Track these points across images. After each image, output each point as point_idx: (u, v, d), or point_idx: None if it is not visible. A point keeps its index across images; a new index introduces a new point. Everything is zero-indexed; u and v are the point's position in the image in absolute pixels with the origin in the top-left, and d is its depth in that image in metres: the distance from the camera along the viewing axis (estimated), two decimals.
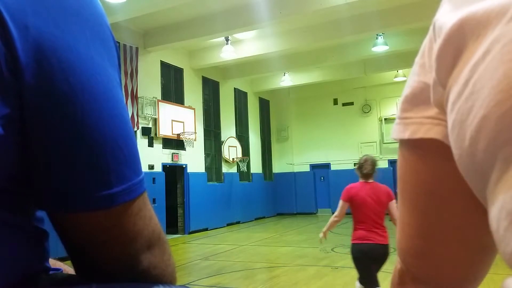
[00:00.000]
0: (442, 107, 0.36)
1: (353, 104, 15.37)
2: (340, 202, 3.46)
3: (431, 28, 0.38)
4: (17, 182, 0.41)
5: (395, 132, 0.42)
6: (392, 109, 14.35)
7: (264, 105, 16.11)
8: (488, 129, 0.29)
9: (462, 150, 0.32)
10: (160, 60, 10.85)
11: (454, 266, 0.44)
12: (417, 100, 0.40)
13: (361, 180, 3.46)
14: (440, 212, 0.42)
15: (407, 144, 0.42)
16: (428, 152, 0.40)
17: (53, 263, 0.53)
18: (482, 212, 0.35)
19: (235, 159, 13.64)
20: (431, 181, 0.41)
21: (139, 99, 9.81)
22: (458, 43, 0.32)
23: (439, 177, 0.41)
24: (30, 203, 0.43)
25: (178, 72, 11.57)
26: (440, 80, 0.35)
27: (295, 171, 16.13)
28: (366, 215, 3.34)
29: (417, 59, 0.41)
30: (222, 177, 13.13)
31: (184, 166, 11.36)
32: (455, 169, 0.35)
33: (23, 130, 0.39)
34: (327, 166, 15.68)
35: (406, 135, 0.41)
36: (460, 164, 0.34)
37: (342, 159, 15.34)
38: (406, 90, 0.42)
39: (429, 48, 0.39)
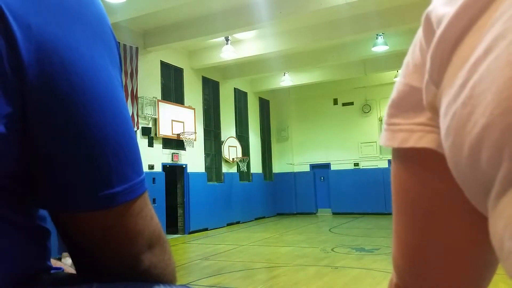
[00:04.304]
0: (435, 110, 0.33)
1: (353, 104, 15.36)
2: None
3: (422, 21, 0.35)
4: (19, 181, 0.41)
5: (383, 138, 0.40)
6: None
7: (264, 105, 16.11)
8: (492, 140, 0.26)
9: (460, 158, 0.30)
10: (160, 60, 10.84)
11: (454, 284, 0.41)
12: (404, 104, 0.37)
13: None
14: (438, 230, 0.39)
15: (398, 154, 0.40)
16: (420, 165, 0.38)
17: (53, 262, 0.53)
18: (481, 229, 0.33)
19: (235, 159, 13.63)
20: (426, 198, 0.39)
21: (139, 99, 9.80)
22: (454, 36, 0.30)
23: (434, 193, 0.38)
24: (32, 201, 0.43)
25: (178, 72, 11.56)
26: (432, 78, 0.32)
27: (295, 171, 16.13)
28: None
29: (405, 58, 0.39)
30: (222, 177, 13.12)
31: (184, 166, 11.36)
32: (452, 183, 0.33)
33: (25, 129, 0.39)
34: (327, 166, 15.68)
35: (396, 143, 0.38)
36: (457, 173, 0.31)
37: (342, 159, 15.34)
38: (393, 94, 0.39)
39: (415, 44, 0.37)
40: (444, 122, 0.31)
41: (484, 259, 0.40)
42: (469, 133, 0.28)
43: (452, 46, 0.30)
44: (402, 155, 0.39)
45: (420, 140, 0.36)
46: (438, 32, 0.31)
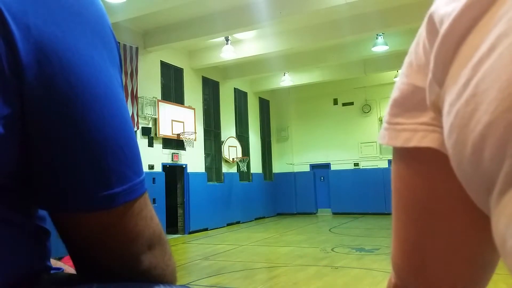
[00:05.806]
0: (438, 109, 0.33)
1: (353, 104, 15.36)
2: None
3: (425, 21, 0.35)
4: (18, 181, 0.41)
5: (384, 137, 0.39)
6: None
7: (264, 105, 16.10)
8: (496, 137, 0.26)
9: (462, 157, 0.29)
10: (160, 60, 10.84)
11: (453, 284, 0.41)
12: (408, 104, 0.37)
13: None
14: (439, 229, 0.39)
15: (400, 153, 0.40)
16: (423, 164, 0.38)
17: (53, 263, 0.53)
18: (482, 227, 0.33)
19: (235, 159, 13.63)
20: (428, 197, 0.39)
21: (139, 99, 9.80)
22: (457, 35, 0.30)
23: (436, 192, 0.38)
24: (31, 201, 0.43)
25: (178, 72, 11.56)
26: (436, 77, 0.32)
27: (295, 171, 16.13)
28: None
29: (406, 58, 0.39)
30: (222, 177, 13.12)
31: (184, 166, 11.36)
32: (454, 182, 0.33)
33: (25, 130, 0.39)
34: (327, 166, 15.68)
35: (399, 142, 0.38)
36: (460, 171, 0.31)
37: (342, 159, 15.34)
38: (395, 93, 0.39)
39: (417, 44, 0.37)
40: (447, 121, 0.30)
41: (483, 258, 0.39)
42: (472, 131, 0.27)
43: (456, 45, 0.30)
44: (405, 154, 0.39)
45: (423, 139, 0.36)
46: (442, 31, 0.31)
